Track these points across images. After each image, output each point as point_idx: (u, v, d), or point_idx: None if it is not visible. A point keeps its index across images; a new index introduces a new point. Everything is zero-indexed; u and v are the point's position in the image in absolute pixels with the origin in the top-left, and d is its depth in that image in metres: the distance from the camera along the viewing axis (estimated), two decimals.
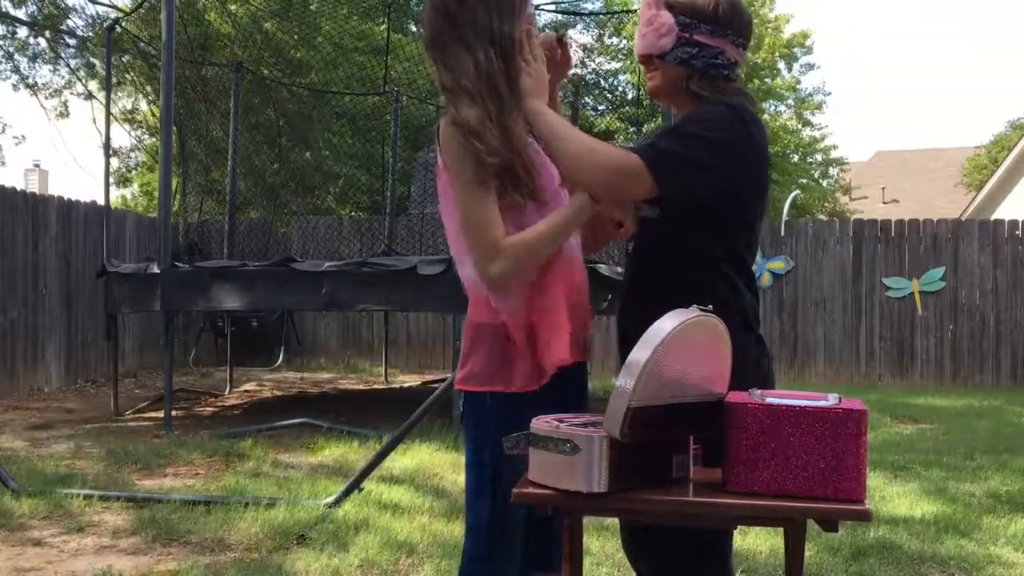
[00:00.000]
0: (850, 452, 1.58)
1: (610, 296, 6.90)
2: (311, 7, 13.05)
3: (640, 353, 1.58)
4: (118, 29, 10.39)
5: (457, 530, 4.00)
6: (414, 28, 16.03)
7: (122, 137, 18.30)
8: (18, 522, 4.25)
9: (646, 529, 1.96)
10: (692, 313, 1.63)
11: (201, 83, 10.84)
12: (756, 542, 3.97)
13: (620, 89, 19.54)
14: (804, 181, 21.77)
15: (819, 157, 23.29)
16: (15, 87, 15.19)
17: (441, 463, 5.63)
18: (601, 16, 18.43)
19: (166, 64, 7.41)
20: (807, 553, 2.59)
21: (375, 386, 10.53)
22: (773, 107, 21.76)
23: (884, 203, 28.05)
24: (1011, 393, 10.27)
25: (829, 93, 36.23)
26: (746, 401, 1.63)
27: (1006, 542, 4.10)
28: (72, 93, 15.44)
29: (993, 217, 15.10)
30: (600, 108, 18.41)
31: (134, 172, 17.90)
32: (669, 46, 2.00)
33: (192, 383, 10.10)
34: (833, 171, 24.53)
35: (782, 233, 11.64)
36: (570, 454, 1.61)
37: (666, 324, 1.60)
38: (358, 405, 8.70)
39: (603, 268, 7.31)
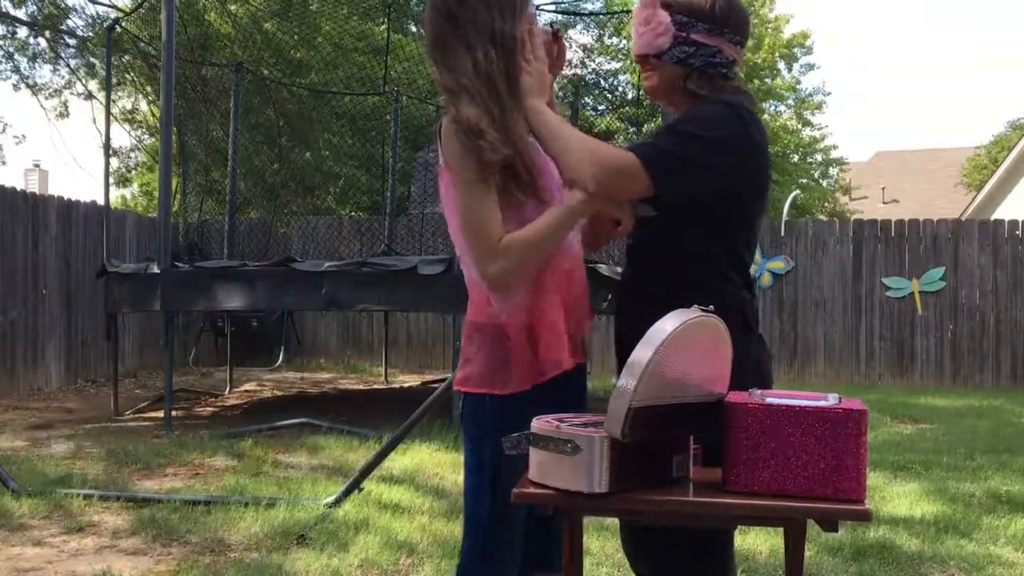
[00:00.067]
0: (850, 452, 1.58)
1: (610, 296, 6.89)
2: (311, 7, 13.05)
3: (641, 353, 1.58)
4: (118, 29, 10.39)
5: (457, 530, 4.00)
6: (414, 28, 16.03)
7: (122, 137, 18.32)
8: (18, 522, 4.25)
9: (646, 529, 1.96)
10: (693, 313, 1.63)
11: (201, 83, 10.84)
12: (756, 542, 3.97)
13: (620, 89, 19.53)
14: (804, 181, 21.77)
15: (819, 157, 23.29)
16: (15, 87, 15.21)
17: (441, 463, 5.63)
18: (601, 16, 18.43)
19: (166, 64, 7.41)
20: (807, 553, 2.59)
21: (375, 386, 10.53)
22: (773, 107, 21.77)
23: (884, 203, 28.05)
24: (1011, 393, 10.27)
25: (829, 93, 36.29)
26: (746, 401, 1.63)
27: (1006, 542, 4.10)
28: (72, 93, 15.46)
29: (993, 217, 15.10)
30: (600, 108, 18.40)
31: (134, 172, 17.89)
32: (666, 45, 1.99)
33: (192, 383, 10.10)
34: (833, 171, 24.53)
35: (782, 233, 11.64)
36: (571, 454, 1.61)
37: (667, 324, 1.60)
38: (358, 405, 8.69)
39: (603, 268, 7.31)
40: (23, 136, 29.34)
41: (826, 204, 24.05)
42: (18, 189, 9.47)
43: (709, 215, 1.95)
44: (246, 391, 9.75)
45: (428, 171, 10.13)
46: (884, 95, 69.83)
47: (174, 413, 7.15)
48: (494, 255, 1.86)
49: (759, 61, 20.47)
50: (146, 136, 16.33)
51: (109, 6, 14.16)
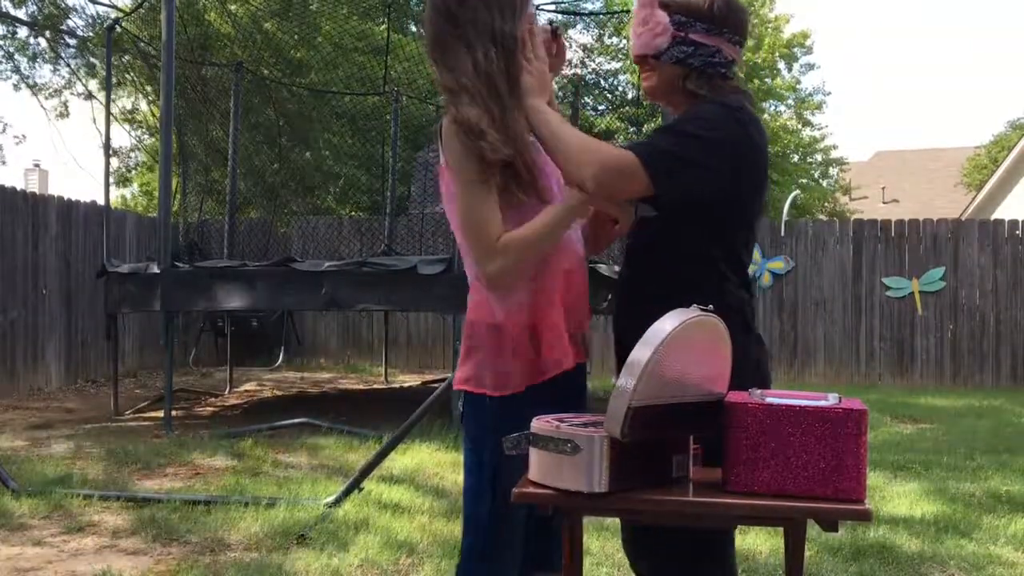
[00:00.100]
0: (850, 452, 1.58)
1: (610, 296, 6.89)
2: (311, 7, 13.04)
3: (641, 352, 1.58)
4: (118, 29, 10.39)
5: (457, 530, 3.99)
6: (414, 28, 16.03)
7: (122, 137, 18.33)
8: (18, 522, 4.25)
9: (646, 529, 1.96)
10: (693, 313, 1.64)
11: (201, 83, 10.83)
12: (756, 542, 3.97)
13: (620, 89, 19.53)
14: (804, 181, 21.78)
15: (819, 157, 23.30)
16: (15, 87, 15.20)
17: (441, 463, 5.63)
18: (601, 16, 18.43)
19: (166, 64, 7.41)
20: (807, 553, 2.59)
21: (375, 386, 10.53)
22: (773, 107, 21.77)
23: (884, 203, 28.05)
24: (1011, 393, 10.27)
25: (829, 93, 36.29)
26: (746, 401, 1.63)
27: (1006, 542, 4.10)
28: (72, 93, 15.46)
29: (993, 217, 15.10)
30: (600, 108, 18.40)
31: (134, 172, 17.89)
32: (665, 46, 1.99)
33: (192, 383, 10.10)
34: (833, 171, 24.54)
35: (782, 233, 11.64)
36: (571, 454, 1.61)
37: (667, 324, 1.60)
38: (358, 405, 8.69)
39: (603, 268, 7.30)
40: (23, 136, 29.37)
41: (826, 204, 24.05)
42: (18, 189, 9.47)
43: (708, 215, 1.95)
44: (246, 391, 9.75)
45: (428, 171, 10.12)
46: (884, 95, 69.88)
47: (174, 413, 7.15)
48: (492, 254, 1.86)
49: (759, 61, 20.47)
50: (146, 136, 16.33)
51: (109, 6, 14.17)
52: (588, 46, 20.01)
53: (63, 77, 15.25)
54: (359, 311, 10.15)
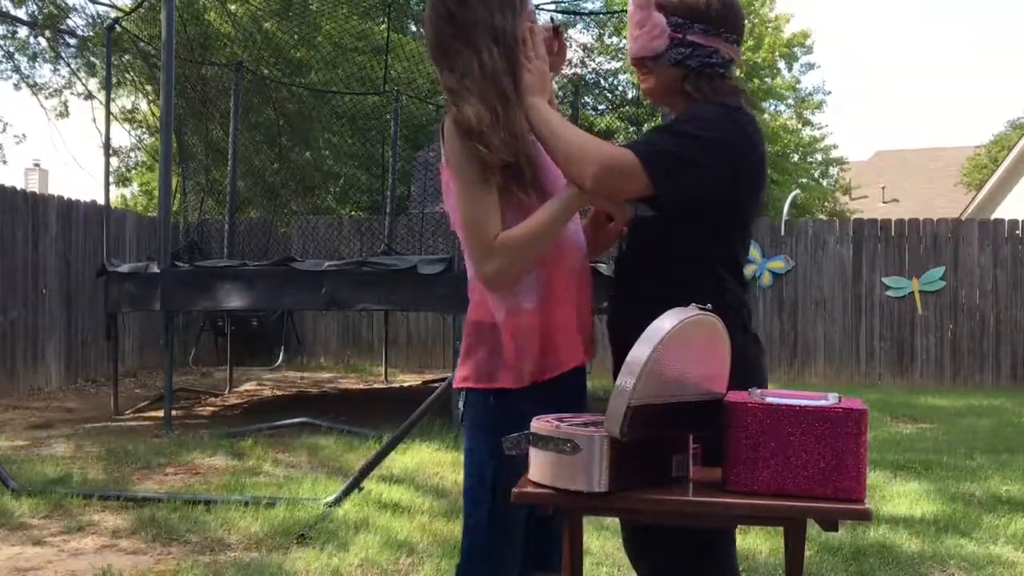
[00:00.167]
0: (850, 451, 1.58)
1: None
2: (311, 7, 13.03)
3: (640, 351, 1.57)
4: (118, 29, 10.38)
5: (457, 530, 3.99)
6: (414, 28, 16.02)
7: (122, 137, 18.33)
8: (18, 522, 4.25)
9: (646, 529, 1.96)
10: (691, 311, 1.63)
11: (201, 83, 10.82)
12: (756, 542, 3.97)
13: (620, 89, 19.52)
14: (804, 181, 21.77)
15: (819, 157, 23.30)
16: (15, 87, 15.21)
17: (441, 463, 5.63)
18: (601, 16, 18.41)
19: (166, 64, 7.41)
20: (807, 553, 2.59)
21: (375, 386, 10.53)
22: (773, 107, 21.77)
23: (884, 203, 28.04)
24: (1011, 393, 10.27)
25: (829, 93, 36.26)
26: (746, 400, 1.63)
27: (1006, 542, 4.10)
28: (72, 93, 15.45)
29: (993, 217, 15.10)
30: (600, 108, 18.40)
31: (134, 172, 17.89)
32: (662, 48, 1.98)
33: (192, 383, 10.10)
34: (833, 171, 24.54)
35: (782, 233, 11.63)
36: (571, 454, 1.61)
37: (665, 323, 1.60)
38: (358, 405, 8.69)
39: (603, 268, 7.30)
40: (23, 136, 29.27)
41: (826, 204, 24.05)
42: (18, 189, 9.47)
43: (706, 215, 1.95)
44: (246, 391, 9.75)
45: (428, 171, 10.11)
46: (884, 95, 69.87)
47: (174, 413, 7.15)
48: (490, 253, 1.86)
49: (759, 61, 20.46)
50: (146, 136, 16.32)
51: (109, 6, 14.17)
52: (588, 45, 20.01)
53: (63, 77, 15.27)
54: (359, 311, 10.15)
